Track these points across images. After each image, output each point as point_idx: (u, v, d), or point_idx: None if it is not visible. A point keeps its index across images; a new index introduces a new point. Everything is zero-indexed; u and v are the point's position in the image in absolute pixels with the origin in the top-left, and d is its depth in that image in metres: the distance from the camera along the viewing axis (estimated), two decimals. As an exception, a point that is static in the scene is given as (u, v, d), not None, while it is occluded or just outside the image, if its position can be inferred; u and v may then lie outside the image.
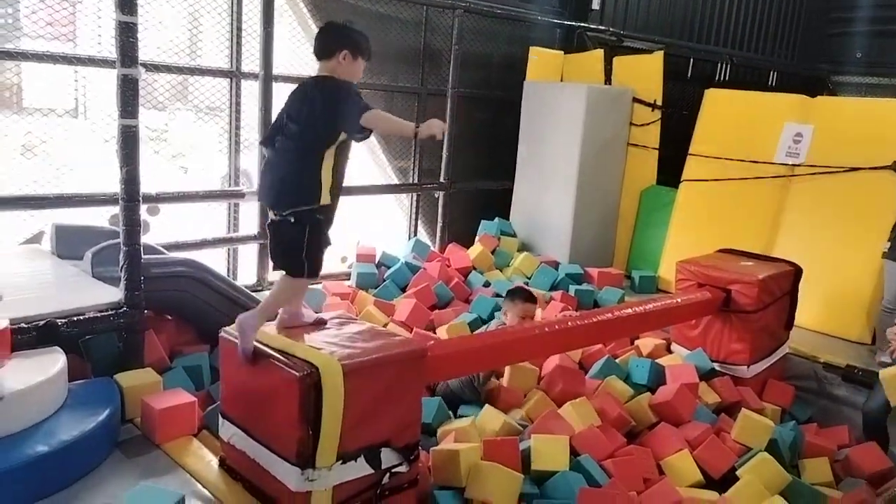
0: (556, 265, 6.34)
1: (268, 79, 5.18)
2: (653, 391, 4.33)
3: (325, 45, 2.95)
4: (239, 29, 5.20)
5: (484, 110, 7.18)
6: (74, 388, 3.19)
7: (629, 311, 4.20)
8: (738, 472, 3.62)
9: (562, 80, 7.19)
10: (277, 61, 5.30)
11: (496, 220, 6.88)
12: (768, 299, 4.68)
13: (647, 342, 4.92)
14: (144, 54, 4.27)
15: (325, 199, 2.84)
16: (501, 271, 6.29)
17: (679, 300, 4.55)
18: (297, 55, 5.81)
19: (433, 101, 6.64)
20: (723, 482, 3.67)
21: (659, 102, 6.74)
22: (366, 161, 6.53)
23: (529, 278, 6.10)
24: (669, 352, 4.93)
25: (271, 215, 2.92)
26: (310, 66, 5.91)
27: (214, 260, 5.19)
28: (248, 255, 5.55)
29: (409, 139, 2.89)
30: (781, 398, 4.74)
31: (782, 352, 4.99)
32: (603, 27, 7.60)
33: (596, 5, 7.60)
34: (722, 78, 8.36)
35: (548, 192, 6.71)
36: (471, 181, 7.05)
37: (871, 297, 5.30)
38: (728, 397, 4.46)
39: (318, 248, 2.91)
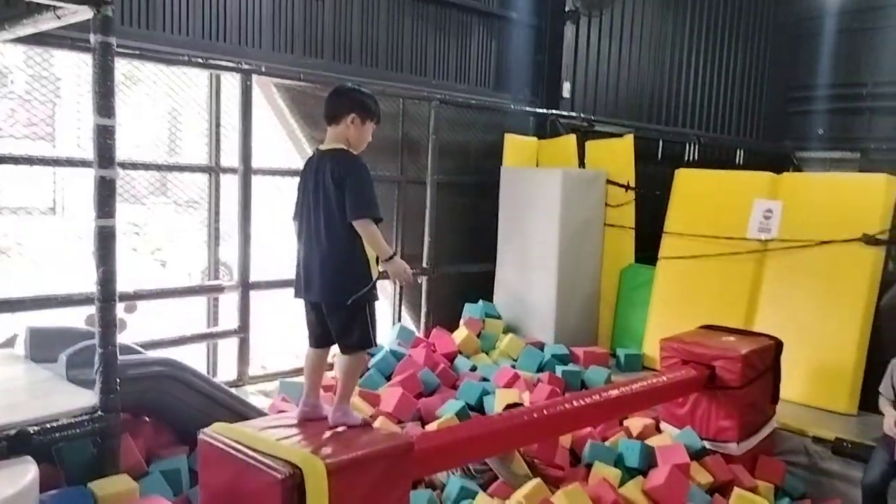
0: (541, 346, 6.32)
1: (247, 172, 5.26)
2: (644, 474, 4.26)
3: (334, 109, 3.00)
4: (218, 125, 5.31)
5: (463, 195, 7.30)
6: (46, 499, 3.06)
7: (617, 392, 4.16)
8: (737, 557, 3.53)
9: (537, 165, 7.36)
10: (256, 155, 5.39)
11: (480, 302, 6.88)
12: (752, 374, 4.68)
13: (636, 422, 4.86)
14: (123, 152, 4.34)
15: (375, 272, 2.91)
16: (488, 354, 6.24)
17: (665, 378, 4.53)
18: (275, 149, 5.93)
19: (413, 188, 6.76)
20: (722, 568, 3.57)
21: (632, 183, 6.90)
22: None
23: (516, 360, 6.06)
24: (659, 431, 4.87)
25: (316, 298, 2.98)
26: (286, 161, 6.05)
27: (193, 356, 5.11)
28: (228, 350, 5.48)
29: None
30: (773, 475, 4.67)
31: (770, 427, 4.94)
32: (574, 113, 7.85)
33: (566, 93, 7.88)
34: (691, 158, 8.61)
35: (530, 274, 6.75)
36: (453, 265, 7.09)
37: (855, 366, 5.31)
38: (720, 476, 4.39)
39: (376, 318, 2.98)
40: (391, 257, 2.89)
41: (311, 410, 3.06)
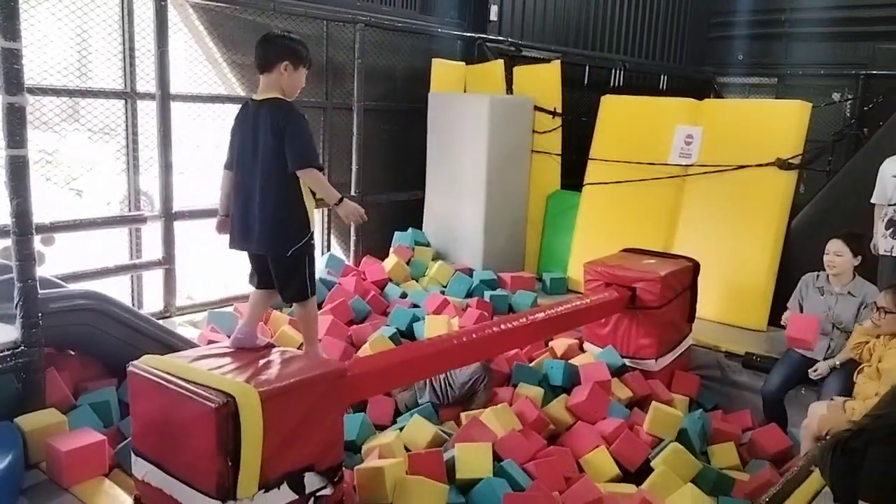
0: (470, 272, 6.43)
1: (165, 98, 5.03)
2: (568, 391, 4.48)
3: (266, 58, 3.02)
4: (132, 49, 5.02)
5: (391, 122, 7.20)
6: (-30, 436, 3.00)
7: (543, 314, 4.31)
8: (652, 464, 3.78)
9: (465, 91, 7.31)
10: (175, 81, 5.15)
11: (409, 230, 6.91)
12: (671, 294, 4.91)
13: (560, 343, 5.06)
14: (31, 76, 4.08)
15: (313, 223, 2.99)
16: (417, 281, 6.32)
17: (589, 301, 4.70)
18: (195, 74, 5.67)
19: (339, 114, 6.61)
20: (638, 474, 3.82)
21: (559, 110, 6.95)
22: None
23: (445, 286, 6.16)
24: (582, 351, 5.09)
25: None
26: (207, 86, 5.81)
27: (118, 289, 4.98)
28: (154, 282, 5.36)
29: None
30: (688, 388, 4.98)
31: (686, 344, 5.24)
32: (501, 38, 7.77)
33: (494, 16, 7.76)
34: (617, 84, 8.69)
35: (459, 201, 6.80)
36: (382, 193, 7.05)
37: (766, 285, 5.64)
38: (639, 391, 4.65)
39: (314, 267, 3.12)
40: (341, 200, 3.05)
41: (246, 338, 3.12)
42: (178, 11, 5.45)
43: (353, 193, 6.63)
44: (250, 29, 5.75)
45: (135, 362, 2.84)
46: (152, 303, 5.33)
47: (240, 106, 3.21)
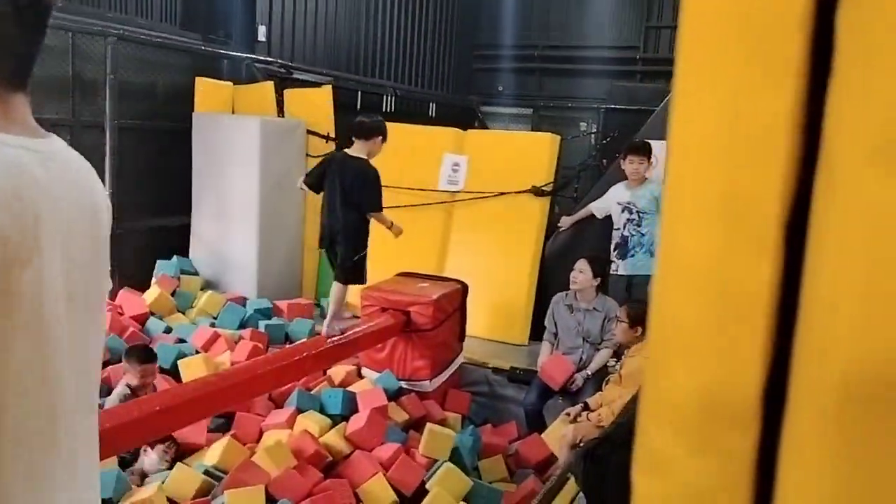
0: (243, 301, 6.17)
1: None
2: (347, 419, 4.45)
3: (367, 132, 4.48)
4: None
5: (151, 142, 6.71)
6: None
7: (319, 346, 4.24)
8: (427, 486, 3.87)
9: (233, 112, 7.04)
10: None
11: (174, 258, 6.47)
12: (442, 316, 5.09)
13: (338, 370, 5.02)
14: None
15: (368, 240, 4.55)
16: (184, 314, 5.93)
17: (366, 327, 4.73)
18: None
19: (90, 133, 6.03)
20: (416, 497, 3.89)
21: (332, 134, 6.95)
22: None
23: (216, 318, 5.85)
24: (360, 377, 5.10)
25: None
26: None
27: None
28: None
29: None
30: (460, 406, 5.18)
31: (458, 362, 5.46)
32: (271, 59, 7.61)
33: (262, 37, 7.60)
34: (389, 109, 8.92)
35: (229, 226, 6.50)
36: (142, 219, 6.53)
37: (526, 303, 6.06)
38: (415, 413, 4.74)
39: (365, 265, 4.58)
40: (391, 224, 4.64)
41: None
42: None
43: (108, 220, 6.06)
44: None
45: None
46: None
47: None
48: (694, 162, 0.65)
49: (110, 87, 5.96)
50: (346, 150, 4.63)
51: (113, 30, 5.94)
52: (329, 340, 4.34)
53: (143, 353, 4.13)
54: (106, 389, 4.48)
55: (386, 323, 4.85)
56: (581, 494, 3.18)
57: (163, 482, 3.47)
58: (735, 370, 0.63)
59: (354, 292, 5.02)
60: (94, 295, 1.21)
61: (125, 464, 3.80)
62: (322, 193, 4.54)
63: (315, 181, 4.57)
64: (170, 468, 3.65)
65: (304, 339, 5.22)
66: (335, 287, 4.54)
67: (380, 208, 4.49)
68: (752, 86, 0.61)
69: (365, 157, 4.42)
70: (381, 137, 4.52)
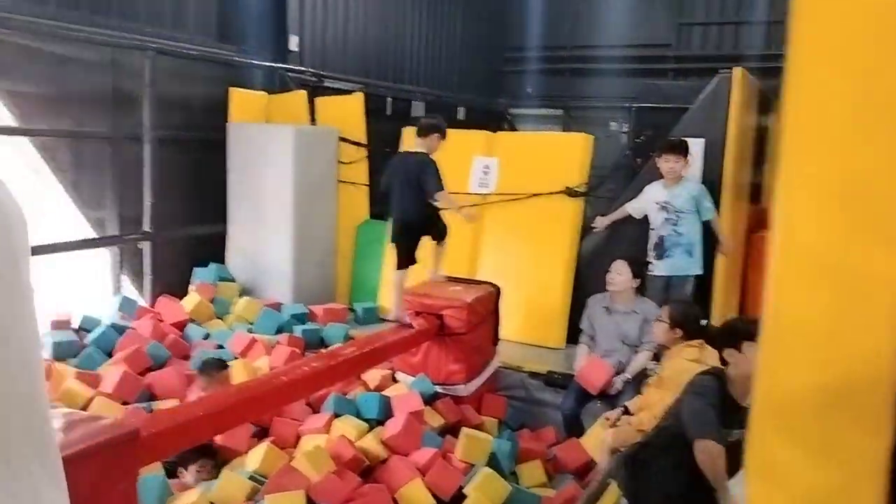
0: (279, 307, 6.24)
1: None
2: (383, 423, 4.46)
3: (427, 130, 4.97)
4: None
5: (188, 153, 6.83)
6: None
7: (355, 352, 4.27)
8: (465, 491, 3.86)
9: (267, 121, 7.13)
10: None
11: (212, 265, 6.58)
12: (476, 320, 5.09)
13: (373, 375, 5.05)
14: None
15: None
16: (222, 320, 6.02)
17: (400, 332, 4.75)
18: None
19: (130, 146, 6.15)
20: (454, 502, 3.89)
21: (363, 140, 7.00)
22: (50, 212, 5.76)
23: (253, 324, 5.92)
24: (395, 381, 5.12)
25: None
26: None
27: None
28: None
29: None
30: (497, 410, 5.17)
31: (493, 366, 5.44)
32: (303, 68, 7.70)
33: (294, 46, 7.68)
34: (418, 114, 8.95)
35: (264, 233, 6.59)
36: (180, 227, 6.64)
37: (562, 305, 6.03)
38: (451, 417, 4.74)
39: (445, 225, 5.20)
40: (460, 208, 5.08)
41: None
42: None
43: (147, 229, 6.19)
44: (23, 54, 5.22)
45: None
46: None
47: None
48: (814, 144, 0.61)
49: (149, 100, 6.08)
50: (408, 149, 5.14)
51: (151, 44, 6.06)
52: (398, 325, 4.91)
53: (218, 363, 4.42)
54: (147, 395, 4.60)
55: (420, 328, 4.87)
56: (623, 500, 3.15)
57: (207, 489, 3.51)
58: (862, 365, 0.58)
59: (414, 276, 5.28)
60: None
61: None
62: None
63: (386, 183, 5.02)
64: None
65: (339, 344, 5.28)
66: (396, 275, 5.07)
67: (441, 188, 4.76)
68: (887, 62, 0.58)
69: (425, 152, 4.86)
70: (437, 134, 4.94)
